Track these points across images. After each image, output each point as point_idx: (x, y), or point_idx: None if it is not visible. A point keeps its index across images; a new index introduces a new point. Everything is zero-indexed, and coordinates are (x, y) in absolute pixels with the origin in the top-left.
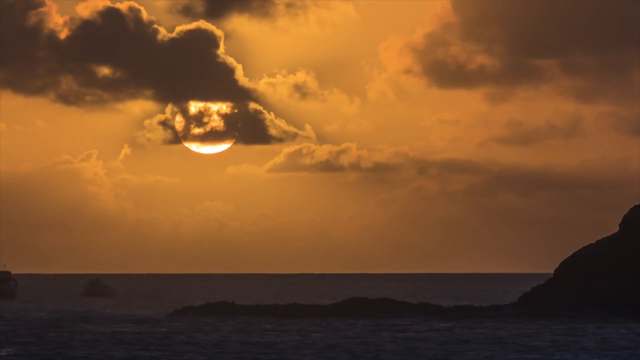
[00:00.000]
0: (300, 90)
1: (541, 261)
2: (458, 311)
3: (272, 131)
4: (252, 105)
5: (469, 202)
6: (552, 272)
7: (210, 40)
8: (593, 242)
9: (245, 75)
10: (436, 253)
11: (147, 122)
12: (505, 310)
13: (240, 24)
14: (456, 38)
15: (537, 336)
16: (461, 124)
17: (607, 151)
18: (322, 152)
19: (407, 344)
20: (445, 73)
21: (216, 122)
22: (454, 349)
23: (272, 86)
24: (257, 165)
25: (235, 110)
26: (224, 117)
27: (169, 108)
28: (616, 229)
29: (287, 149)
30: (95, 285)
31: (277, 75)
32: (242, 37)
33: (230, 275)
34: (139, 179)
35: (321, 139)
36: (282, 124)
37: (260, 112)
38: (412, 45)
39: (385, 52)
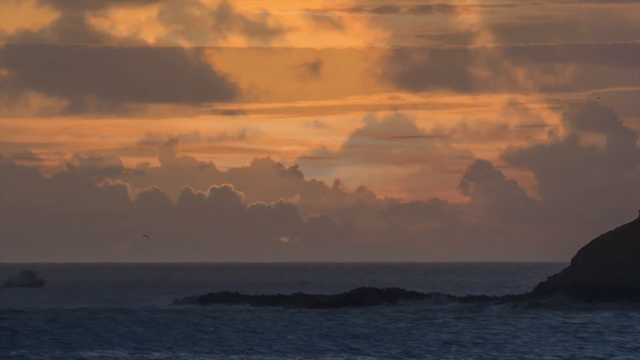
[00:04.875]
0: None
1: (559, 250)
2: (471, 301)
3: None
4: None
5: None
6: (570, 260)
7: None
8: (612, 229)
9: None
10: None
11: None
12: (519, 300)
13: None
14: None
15: (560, 327)
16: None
17: None
18: None
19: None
20: None
21: None
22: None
23: None
24: None
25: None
26: None
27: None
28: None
29: None
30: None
31: None
32: None
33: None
34: None
35: None
36: None
37: None
38: None
39: None
